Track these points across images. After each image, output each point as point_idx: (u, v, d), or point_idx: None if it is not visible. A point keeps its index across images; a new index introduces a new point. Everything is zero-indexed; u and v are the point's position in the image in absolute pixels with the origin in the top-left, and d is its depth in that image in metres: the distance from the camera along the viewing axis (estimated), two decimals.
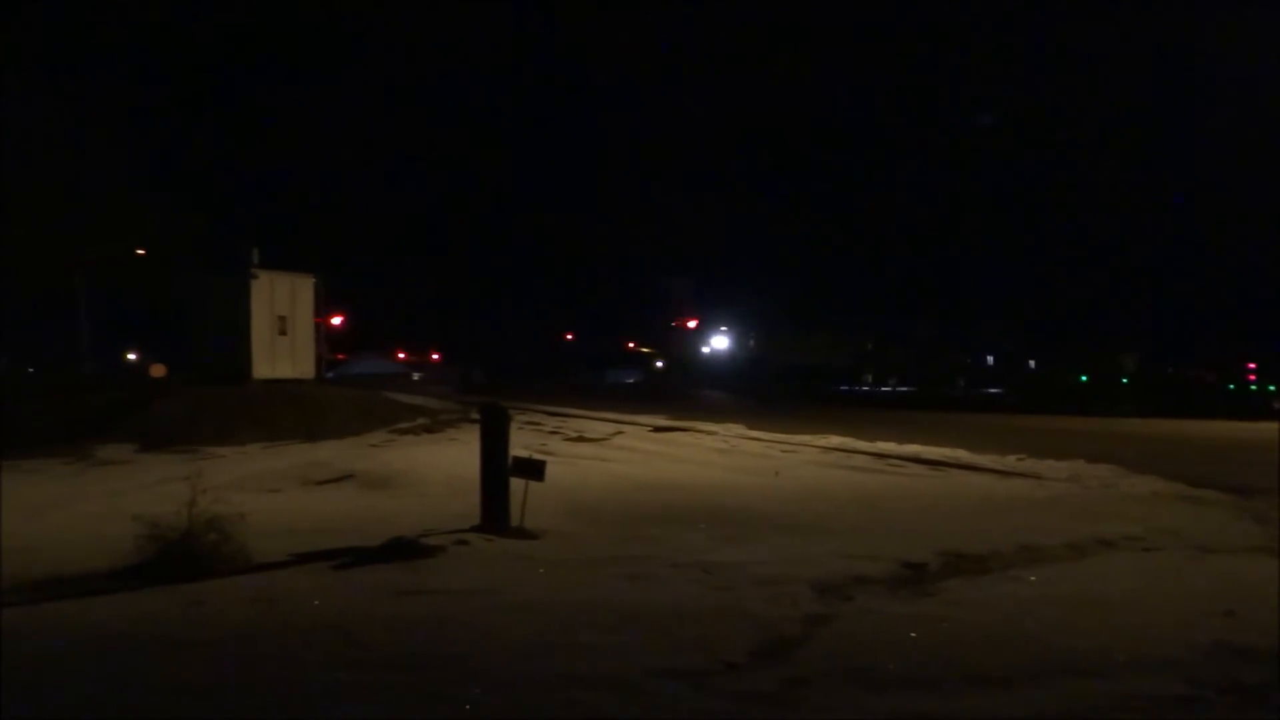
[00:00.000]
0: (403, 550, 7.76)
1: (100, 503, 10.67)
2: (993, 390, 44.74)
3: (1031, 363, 49.64)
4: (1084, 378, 35.38)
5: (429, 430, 18.52)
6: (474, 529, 8.69)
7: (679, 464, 14.15)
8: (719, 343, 64.65)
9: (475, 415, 12.22)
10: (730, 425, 19.23)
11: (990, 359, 55.86)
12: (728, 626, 5.84)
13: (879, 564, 7.48)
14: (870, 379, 53.48)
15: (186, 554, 7.10)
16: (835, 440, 16.64)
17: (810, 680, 4.93)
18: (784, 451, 15.62)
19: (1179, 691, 4.75)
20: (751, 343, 62.30)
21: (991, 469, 13.34)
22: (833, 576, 7.07)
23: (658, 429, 19.12)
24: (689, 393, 36.06)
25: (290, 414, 18.22)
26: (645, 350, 62.92)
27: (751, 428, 18.83)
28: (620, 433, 18.38)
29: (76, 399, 18.65)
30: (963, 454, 14.66)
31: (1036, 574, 7.35)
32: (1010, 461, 13.91)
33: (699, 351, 65.23)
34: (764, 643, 5.52)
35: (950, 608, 6.36)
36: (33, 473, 13.19)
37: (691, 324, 65.66)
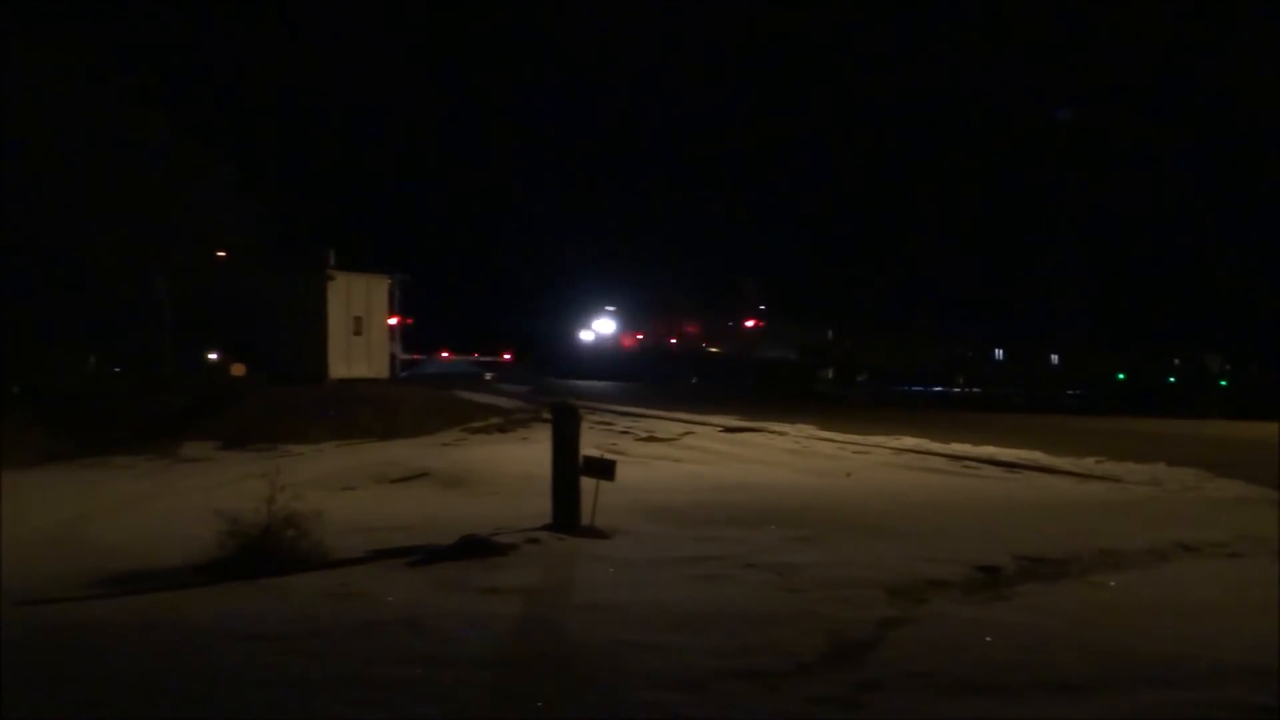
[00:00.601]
0: (476, 548, 7.84)
1: (183, 499, 10.95)
2: (1007, 390, 42.71)
3: (1054, 358, 48.07)
4: (1172, 379, 34.49)
5: (501, 429, 18.68)
6: (545, 528, 8.74)
7: (750, 464, 14.10)
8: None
9: (547, 415, 12.31)
10: (801, 426, 19.10)
11: (1000, 353, 53.71)
12: (799, 628, 5.81)
13: (953, 567, 7.38)
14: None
15: (266, 550, 7.25)
16: (908, 442, 16.45)
17: (883, 684, 4.88)
18: (856, 453, 15.49)
19: (1264, 702, 4.63)
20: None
21: (1069, 471, 13.10)
22: (906, 579, 6.99)
23: (729, 429, 19.07)
24: (761, 394, 35.90)
25: (365, 413, 18.50)
26: (714, 351, 62.72)
27: (823, 428, 18.69)
28: (691, 433, 18.36)
29: (160, 398, 19.13)
30: (1039, 456, 14.41)
31: (1116, 579, 7.21)
32: (1089, 464, 13.64)
33: (767, 351, 64.78)
34: (836, 645, 5.49)
35: (1027, 613, 6.26)
36: (121, 469, 13.60)
37: (756, 324, 65.26)
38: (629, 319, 58.93)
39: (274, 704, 4.63)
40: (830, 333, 57.69)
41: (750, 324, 64.34)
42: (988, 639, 5.66)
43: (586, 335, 56.91)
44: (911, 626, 5.95)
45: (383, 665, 5.15)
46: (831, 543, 8.47)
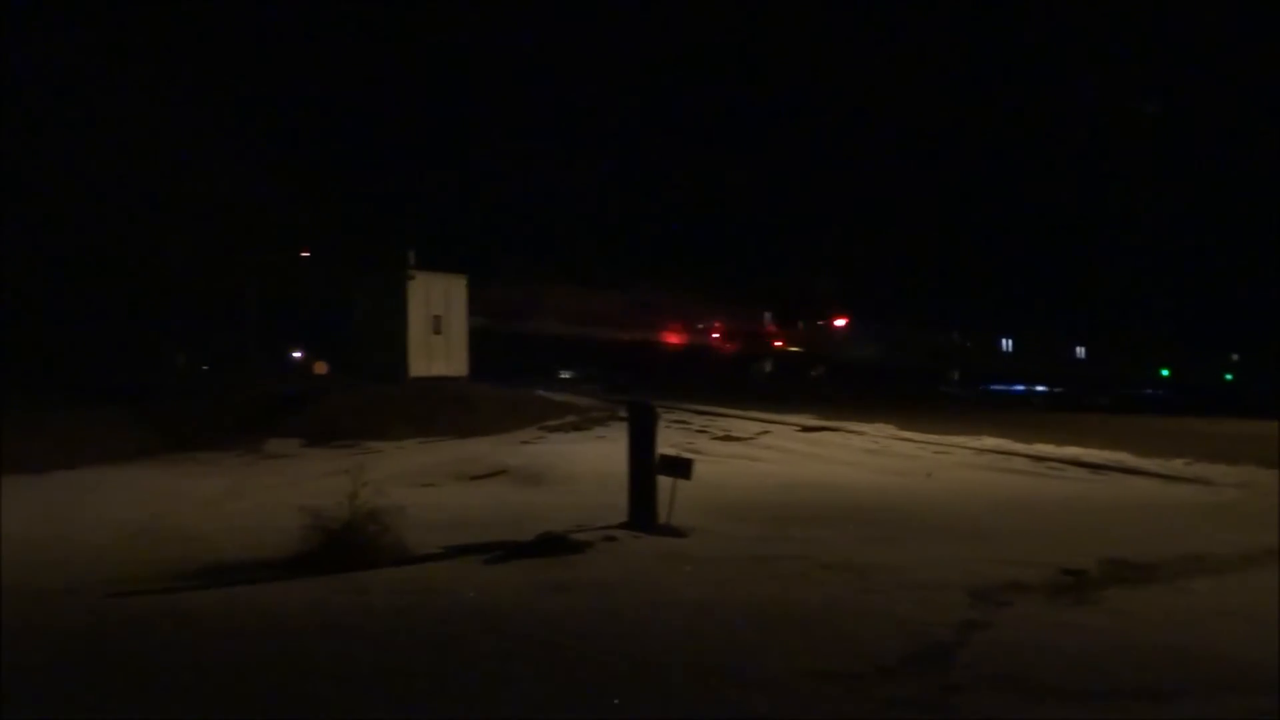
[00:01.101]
0: (553, 545, 7.89)
1: (268, 494, 11.19)
2: (1018, 389, 41.18)
3: (1080, 350, 46.41)
4: (1229, 376, 33.39)
5: (577, 427, 18.77)
6: (622, 525, 8.78)
7: (827, 464, 14.00)
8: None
9: (623, 413, 12.36)
10: (880, 425, 18.91)
11: (1008, 343, 51.88)
12: (878, 629, 5.76)
13: (1037, 570, 7.24)
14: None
15: (349, 544, 7.37)
16: (990, 442, 16.18)
17: (964, 687, 4.82)
18: (936, 453, 15.29)
19: None
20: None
21: (1157, 473, 12.78)
22: (988, 581, 6.88)
23: (806, 428, 18.94)
24: (840, 392, 35.57)
25: (445, 410, 18.72)
26: (793, 349, 62.36)
27: (902, 428, 18.47)
28: (768, 432, 18.28)
29: (246, 395, 19.58)
30: (1125, 457, 14.08)
31: (1205, 584, 7.00)
32: (1177, 466, 13.29)
33: (849, 350, 64.26)
34: (916, 647, 5.42)
35: (1113, 617, 6.13)
36: (208, 464, 13.93)
37: (840, 322, 64.76)
38: (709, 317, 58.83)
39: (354, 696, 4.71)
40: (955, 334, 56.93)
41: (837, 323, 63.86)
42: (1072, 643, 5.55)
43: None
44: (994, 629, 5.85)
45: (460, 660, 5.22)
46: (911, 543, 8.37)
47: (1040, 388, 46.10)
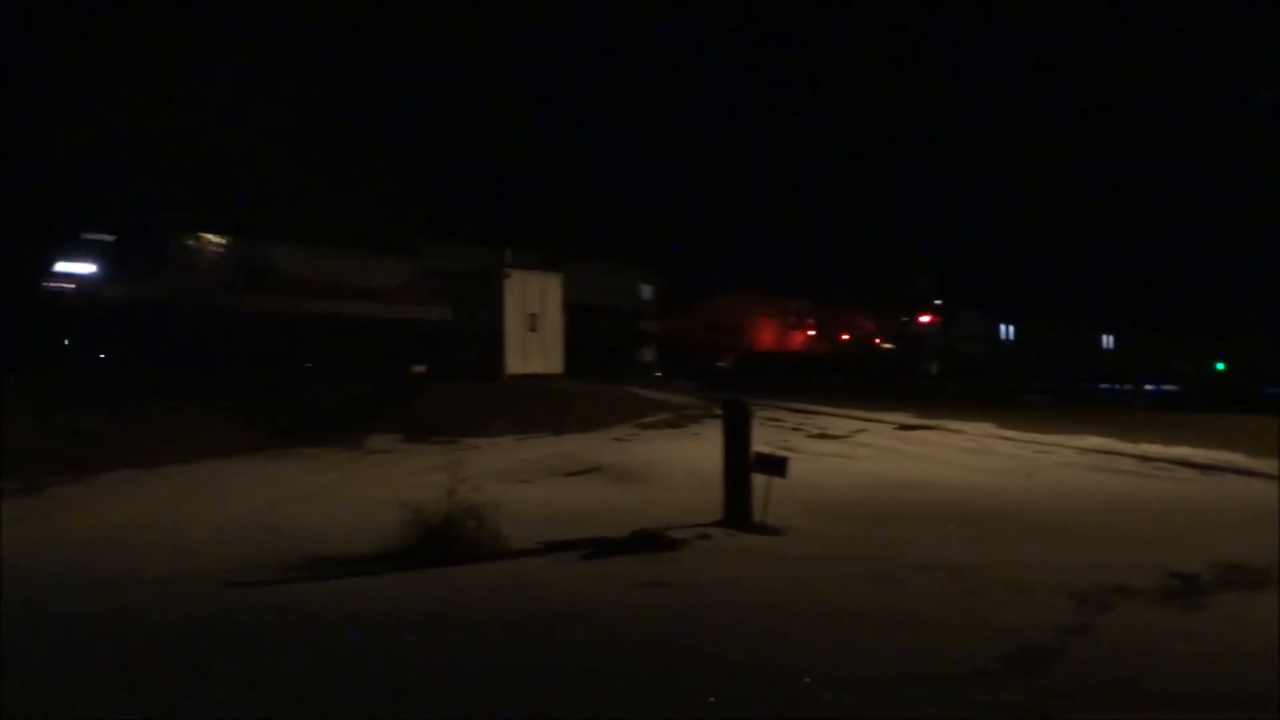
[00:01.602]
0: (648, 542, 7.92)
1: (370, 489, 11.43)
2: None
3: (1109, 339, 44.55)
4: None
5: (672, 425, 18.79)
6: (716, 524, 8.77)
7: (925, 463, 13.79)
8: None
9: (717, 411, 12.32)
10: (980, 424, 18.56)
11: (1009, 329, 49.88)
12: (977, 632, 5.67)
13: (1143, 573, 7.04)
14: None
15: (447, 539, 7.51)
16: (1094, 441, 15.76)
17: (1066, 693, 4.71)
18: (1037, 452, 14.95)
19: None
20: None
21: (1271, 475, 12.31)
22: (1091, 585, 6.72)
23: (903, 427, 18.68)
24: (935, 390, 35.05)
25: (540, 408, 18.91)
26: (886, 346, 61.59)
27: (1003, 427, 18.11)
28: (864, 430, 18.08)
29: (349, 393, 20.03)
30: (1239, 458, 13.58)
31: None
32: None
33: (943, 347, 63.27)
34: (1016, 651, 5.32)
35: (1224, 623, 5.93)
36: (312, 459, 14.28)
37: (930, 319, 63.79)
38: (802, 315, 58.42)
39: (451, 689, 4.80)
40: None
41: (926, 319, 63.00)
42: (1180, 649, 5.39)
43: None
44: (1099, 634, 5.71)
45: (555, 654, 5.27)
46: (1011, 545, 8.21)
47: (1148, 386, 44.73)
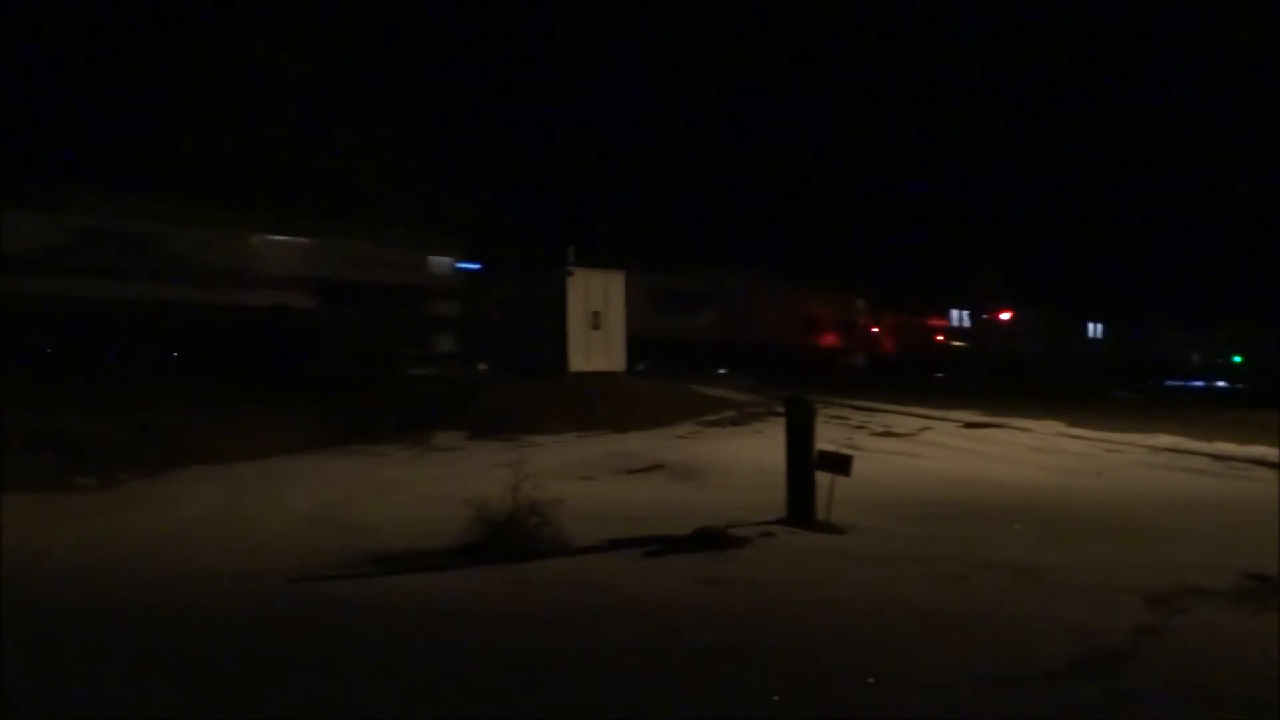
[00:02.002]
0: (711, 540, 7.91)
1: (435, 485, 11.55)
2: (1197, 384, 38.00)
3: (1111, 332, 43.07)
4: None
5: (735, 423, 18.74)
6: (780, 522, 8.74)
7: (992, 461, 13.61)
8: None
9: (780, 408, 12.26)
10: (1048, 422, 18.27)
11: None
12: (1046, 633, 5.58)
13: (1217, 574, 6.89)
14: None
15: (511, 536, 7.56)
16: (1166, 440, 15.45)
17: (1138, 695, 4.63)
18: (1107, 451, 14.68)
19: None
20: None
21: None
22: (1163, 585, 6.58)
23: (969, 425, 18.44)
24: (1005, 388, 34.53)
25: (603, 405, 18.95)
26: (955, 344, 60.86)
27: (1071, 425, 17.80)
28: (929, 428, 17.87)
29: (414, 390, 20.24)
30: None
31: None
32: None
33: (1015, 345, 62.40)
34: (1087, 652, 5.23)
35: None
36: (378, 456, 14.46)
37: (1005, 315, 62.89)
38: (866, 312, 57.93)
39: (514, 684, 4.83)
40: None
41: (995, 316, 62.14)
42: (1256, 652, 5.27)
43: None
44: (1172, 635, 5.60)
45: (618, 651, 5.28)
46: (1080, 544, 8.08)
47: (1221, 383, 43.68)
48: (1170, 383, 45.07)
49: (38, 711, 4.54)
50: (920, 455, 14.25)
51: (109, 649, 5.42)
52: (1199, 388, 42.92)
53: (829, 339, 54.67)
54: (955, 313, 61.69)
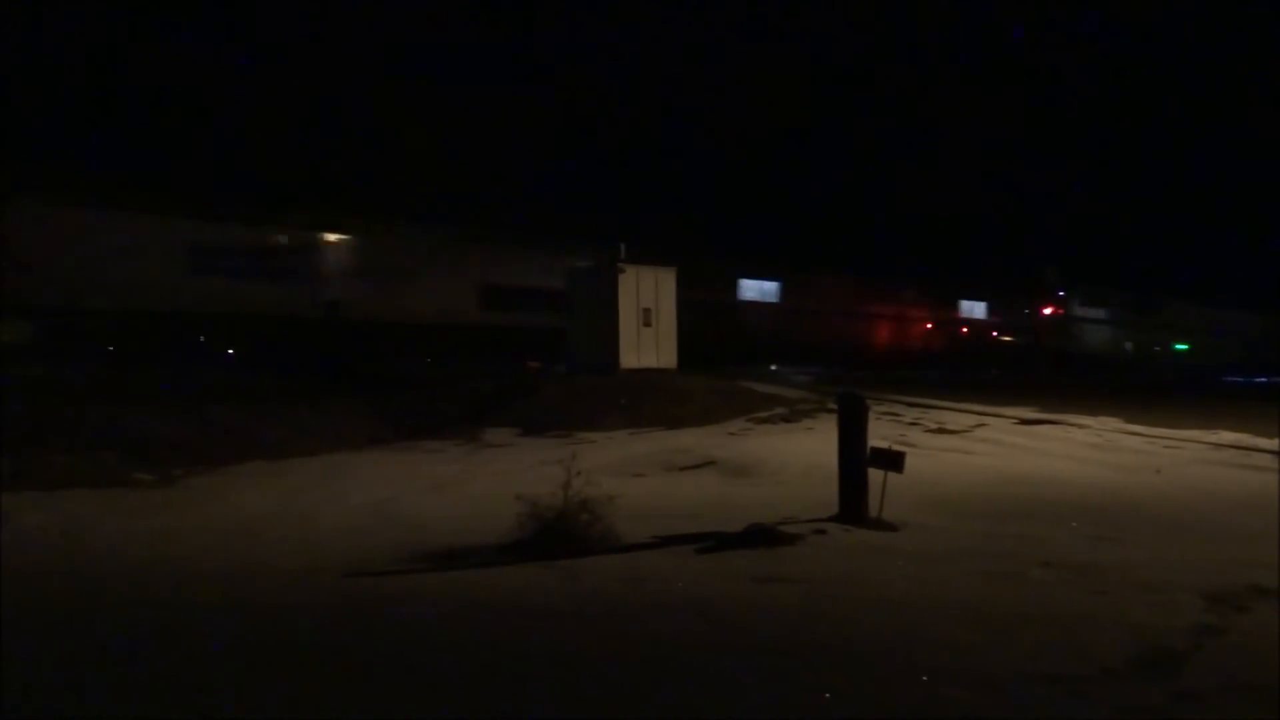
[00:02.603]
0: (762, 537, 7.90)
1: (487, 482, 11.64)
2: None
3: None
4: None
5: (786, 420, 18.66)
6: (832, 519, 8.70)
7: (1047, 458, 13.44)
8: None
9: (832, 405, 12.19)
10: (1105, 419, 17.99)
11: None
12: (1104, 632, 5.51)
13: (1278, 573, 6.75)
14: None
15: (562, 532, 7.60)
16: (1228, 437, 15.15)
17: (1200, 695, 4.55)
18: (1166, 448, 14.43)
19: None
20: None
21: None
22: (1224, 585, 6.47)
23: (1024, 421, 18.22)
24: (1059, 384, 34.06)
25: (654, 402, 18.97)
26: (1008, 339, 60.14)
27: (1129, 421, 17.52)
28: (983, 425, 17.68)
29: (467, 388, 20.40)
30: None
31: None
32: None
33: (1068, 339, 61.54)
34: (1146, 651, 5.16)
35: None
36: (431, 452, 14.61)
37: (1049, 310, 62.04)
38: (918, 307, 57.43)
39: (567, 680, 4.86)
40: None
41: (1049, 311, 61.35)
42: None
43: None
44: (1232, 636, 5.50)
45: (669, 648, 5.29)
46: (1138, 542, 7.95)
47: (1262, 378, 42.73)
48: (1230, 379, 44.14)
49: (100, 703, 4.64)
50: (974, 452, 14.11)
51: (169, 644, 5.52)
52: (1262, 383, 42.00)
53: (882, 336, 54.30)
54: (1010, 309, 60.95)
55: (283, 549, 8.12)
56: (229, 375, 19.65)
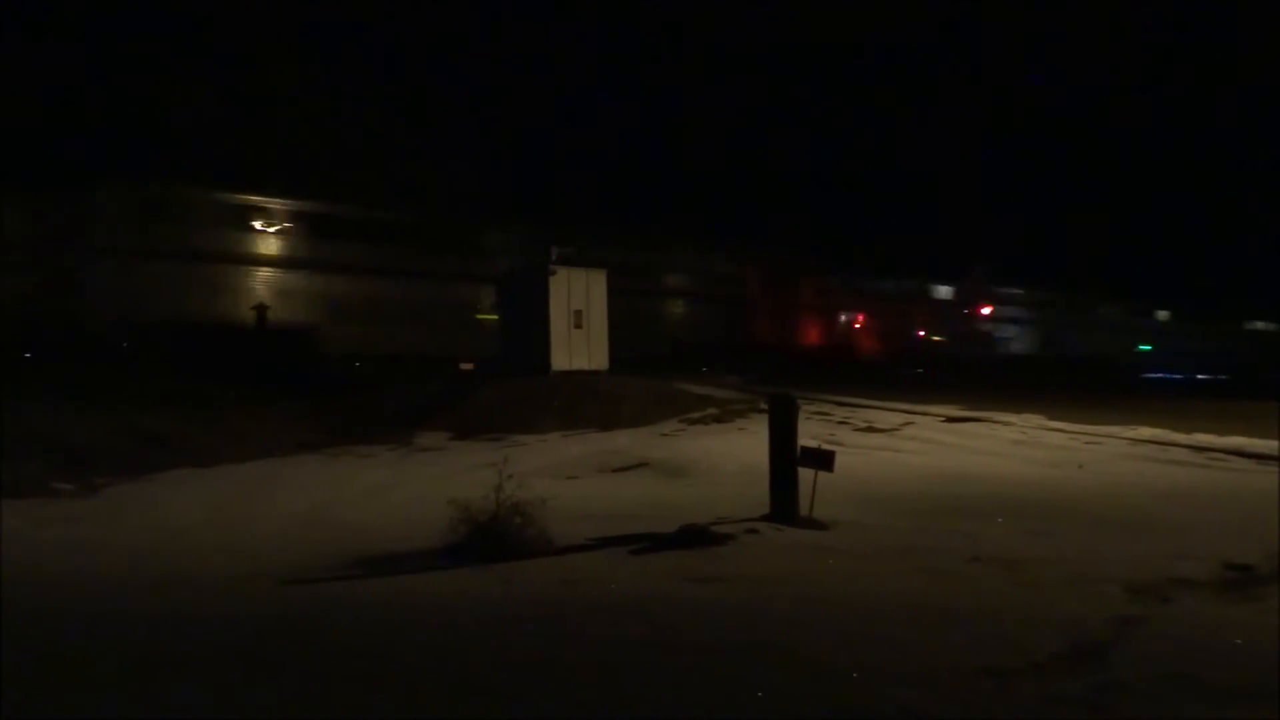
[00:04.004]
0: (696, 537, 7.93)
1: (420, 486, 11.54)
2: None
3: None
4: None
5: (718, 420, 18.78)
6: (764, 518, 8.77)
7: (974, 455, 13.69)
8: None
9: (764, 405, 12.29)
10: (1028, 415, 18.38)
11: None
12: (1032, 625, 5.63)
13: (1199, 564, 6.96)
14: None
15: (495, 536, 7.56)
16: (1146, 432, 15.57)
17: (1126, 685, 4.67)
18: (1088, 443, 14.79)
19: None
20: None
21: None
22: (1147, 576, 6.65)
23: (951, 419, 18.54)
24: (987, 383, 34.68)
25: (587, 404, 18.96)
26: (935, 339, 61.09)
27: (1052, 418, 17.92)
28: (911, 423, 17.96)
29: (398, 391, 20.22)
30: None
31: None
32: None
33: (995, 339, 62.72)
34: (1073, 644, 5.28)
35: None
36: (364, 458, 14.45)
37: (985, 310, 63.22)
38: (847, 307, 58.11)
39: (503, 683, 4.84)
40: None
41: (977, 311, 62.43)
42: (1239, 641, 5.33)
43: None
44: (1155, 626, 5.66)
45: (605, 649, 5.29)
46: (1064, 536, 8.14)
47: (1201, 375, 43.99)
48: (1149, 375, 45.34)
49: (29, 716, 4.52)
50: (903, 450, 14.32)
51: (96, 655, 5.39)
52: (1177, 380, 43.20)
53: (812, 336, 54.79)
54: (938, 307, 61.91)
55: (213, 557, 7.97)
56: (159, 380, 19.24)
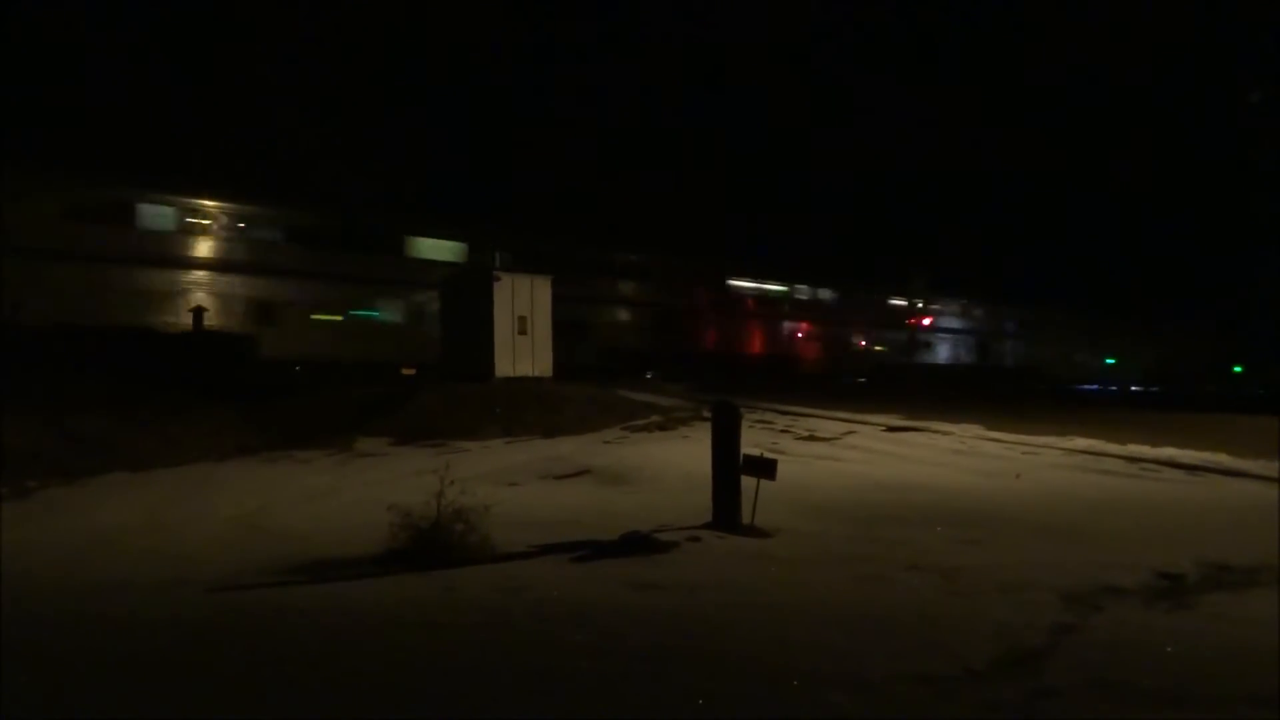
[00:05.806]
0: (638, 545, 7.93)
1: (360, 492, 11.41)
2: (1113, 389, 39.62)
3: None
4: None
5: (662, 428, 18.81)
6: (706, 526, 8.79)
7: (914, 464, 13.84)
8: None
9: (707, 413, 12.34)
10: (967, 425, 18.64)
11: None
12: (968, 632, 5.69)
13: (1132, 573, 7.09)
14: None
15: (436, 542, 7.50)
16: (1081, 443, 15.87)
17: (1058, 692, 4.74)
18: (1025, 453, 15.03)
19: None
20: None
21: (1258, 475, 12.40)
22: (1081, 584, 6.76)
23: (891, 429, 18.76)
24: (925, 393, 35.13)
25: (530, 410, 18.90)
26: (878, 349, 61.74)
27: (990, 428, 18.19)
28: (853, 432, 18.13)
29: (339, 396, 20.00)
30: (1224, 458, 13.69)
31: None
32: (1277, 468, 12.86)
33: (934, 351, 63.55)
34: (1007, 651, 5.35)
35: (1213, 622, 5.98)
36: (303, 463, 14.26)
37: (926, 321, 64.01)
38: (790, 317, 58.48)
39: (442, 691, 4.80)
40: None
41: (916, 321, 63.20)
42: (1169, 648, 5.43)
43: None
44: (1088, 633, 5.76)
45: (546, 656, 5.27)
46: (1000, 545, 8.25)
47: (1135, 387, 44.88)
48: (1082, 387, 46.19)
49: None
50: (844, 459, 14.44)
51: (23, 658, 5.26)
52: (1113, 392, 44.04)
53: (756, 345, 55.07)
54: (880, 318, 62.50)
55: (144, 563, 7.81)
56: (93, 384, 18.83)
